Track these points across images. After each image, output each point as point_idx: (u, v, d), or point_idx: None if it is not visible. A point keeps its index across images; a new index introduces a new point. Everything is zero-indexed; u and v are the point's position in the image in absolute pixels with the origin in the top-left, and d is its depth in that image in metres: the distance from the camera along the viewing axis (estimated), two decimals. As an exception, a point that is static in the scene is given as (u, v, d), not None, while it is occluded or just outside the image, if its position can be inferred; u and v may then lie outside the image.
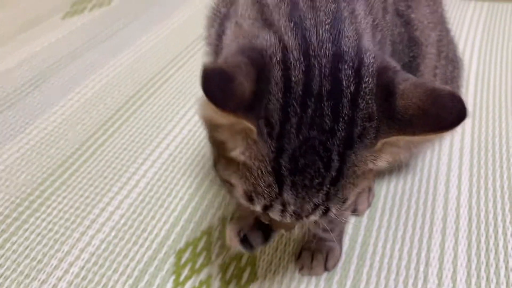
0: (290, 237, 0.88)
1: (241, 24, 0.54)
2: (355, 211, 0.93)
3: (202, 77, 0.42)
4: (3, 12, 1.68)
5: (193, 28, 1.59)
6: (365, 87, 0.47)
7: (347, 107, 0.47)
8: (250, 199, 0.51)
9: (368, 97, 0.47)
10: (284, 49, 0.48)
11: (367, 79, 0.47)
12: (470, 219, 0.92)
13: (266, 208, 0.51)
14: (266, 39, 0.49)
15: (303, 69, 0.47)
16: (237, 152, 0.48)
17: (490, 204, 0.94)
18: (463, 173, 1.02)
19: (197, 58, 1.42)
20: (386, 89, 0.47)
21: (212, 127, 0.50)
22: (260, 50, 0.48)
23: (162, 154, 1.07)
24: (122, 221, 0.91)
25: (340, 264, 0.84)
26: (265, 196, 0.49)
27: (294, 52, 0.48)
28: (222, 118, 0.44)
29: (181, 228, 0.90)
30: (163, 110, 1.21)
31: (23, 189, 0.97)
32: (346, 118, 0.47)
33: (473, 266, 0.83)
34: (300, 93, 0.47)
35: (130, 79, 1.33)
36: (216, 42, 0.63)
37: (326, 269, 0.83)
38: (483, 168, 1.03)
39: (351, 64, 0.48)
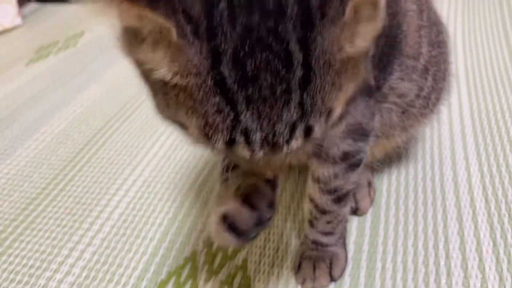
0: (287, 249, 0.77)
1: None
2: (356, 211, 0.82)
3: None
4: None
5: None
6: None
7: None
8: (207, 137, 0.38)
9: None
10: None
11: None
12: (487, 200, 0.81)
13: (230, 144, 0.38)
14: None
15: None
16: (164, 72, 0.36)
17: (506, 181, 0.84)
18: (470, 154, 0.91)
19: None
20: None
21: (131, 44, 0.37)
22: None
23: (136, 182, 0.96)
24: (95, 258, 0.79)
25: (347, 271, 0.72)
26: (219, 127, 0.37)
27: None
28: (122, 12, 0.33)
29: (162, 258, 0.78)
30: (134, 137, 1.11)
31: (-19, 240, 0.86)
32: None
33: (501, 251, 0.71)
34: None
35: (99, 111, 1.24)
36: None
37: (332, 279, 0.71)
38: (490, 145, 0.93)
39: None
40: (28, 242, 0.84)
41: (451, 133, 0.98)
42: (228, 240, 0.55)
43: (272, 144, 0.38)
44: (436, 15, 0.76)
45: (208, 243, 0.80)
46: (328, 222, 0.69)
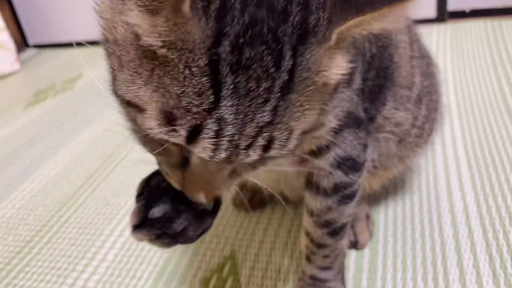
0: (285, 286, 0.75)
1: None
2: (356, 244, 0.81)
3: None
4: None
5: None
6: None
7: None
8: (169, 121, 0.36)
9: None
10: None
11: None
12: (484, 230, 0.80)
13: (193, 134, 0.36)
14: None
15: None
16: (156, 37, 0.34)
17: (503, 211, 0.83)
18: (465, 184, 0.91)
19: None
20: None
21: (121, 5, 0.37)
22: None
23: (131, 221, 0.95)
24: (89, 301, 0.78)
25: (347, 307, 0.71)
26: (193, 111, 0.35)
27: None
28: None
29: (158, 298, 0.77)
30: (129, 177, 1.11)
31: (-27, 285, 0.84)
32: None
33: (502, 281, 0.70)
34: None
35: (95, 153, 1.24)
36: None
37: (331, 315, 0.69)
38: (485, 175, 0.93)
39: None
40: (21, 286, 0.83)
41: (445, 164, 0.98)
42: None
43: (234, 146, 0.37)
44: (425, 48, 0.78)
45: (205, 282, 0.78)
46: (325, 257, 0.69)
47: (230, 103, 0.35)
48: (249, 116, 0.36)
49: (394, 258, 0.78)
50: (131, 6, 0.36)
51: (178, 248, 0.86)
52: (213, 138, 0.36)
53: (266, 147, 0.38)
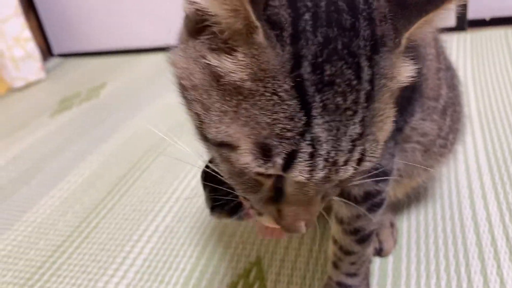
0: (310, 291, 0.77)
1: None
2: (380, 252, 0.82)
3: None
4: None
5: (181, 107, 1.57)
6: None
7: (362, 1, 0.38)
8: (265, 153, 0.37)
9: None
10: None
11: None
12: (507, 238, 0.81)
13: (290, 159, 0.37)
14: None
15: None
16: (239, 72, 0.36)
17: (526, 219, 0.84)
18: (487, 192, 0.92)
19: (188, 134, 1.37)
20: None
21: (202, 48, 0.39)
22: None
23: (158, 228, 0.98)
24: (120, 304, 0.80)
25: (372, 313, 0.72)
26: (287, 136, 0.36)
27: None
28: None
29: (186, 302, 0.79)
30: (155, 184, 1.14)
31: (9, 287, 0.87)
32: (365, 14, 0.38)
33: (526, 289, 0.71)
34: None
35: (122, 159, 1.28)
36: None
37: (356, 321, 0.71)
38: (508, 183, 0.93)
39: None
40: (54, 289, 0.86)
41: (467, 173, 0.99)
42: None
43: (332, 164, 0.38)
44: (449, 60, 0.79)
45: (232, 287, 0.80)
46: (352, 263, 0.70)
47: (321, 121, 0.36)
48: (342, 131, 0.37)
49: (418, 265, 0.79)
50: (206, 53, 0.38)
51: (204, 254, 0.88)
52: (309, 159, 0.37)
53: (360, 160, 0.39)
